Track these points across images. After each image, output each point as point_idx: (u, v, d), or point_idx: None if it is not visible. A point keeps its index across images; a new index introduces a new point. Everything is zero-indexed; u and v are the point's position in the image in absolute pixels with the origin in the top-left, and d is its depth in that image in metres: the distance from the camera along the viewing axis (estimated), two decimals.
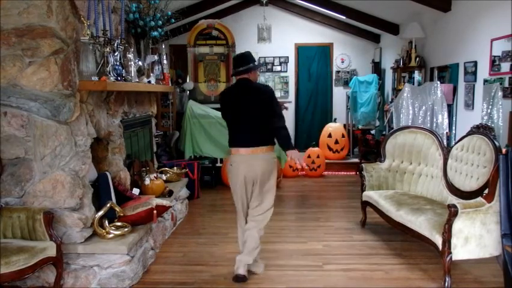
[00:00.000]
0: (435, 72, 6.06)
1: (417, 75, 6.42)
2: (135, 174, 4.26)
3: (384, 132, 7.21)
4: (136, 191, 3.98)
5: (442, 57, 5.89)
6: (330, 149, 7.70)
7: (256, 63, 3.49)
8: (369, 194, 4.40)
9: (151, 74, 4.46)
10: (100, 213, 3.28)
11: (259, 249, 3.41)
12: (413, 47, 6.44)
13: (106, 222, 3.32)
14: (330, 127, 7.86)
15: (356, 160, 7.74)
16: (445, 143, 4.44)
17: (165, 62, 5.02)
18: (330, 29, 9.06)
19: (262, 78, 9.01)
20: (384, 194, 4.28)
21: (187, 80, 7.19)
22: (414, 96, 5.71)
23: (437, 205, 3.76)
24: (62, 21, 2.99)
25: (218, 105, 7.05)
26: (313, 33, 9.14)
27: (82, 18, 3.10)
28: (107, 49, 3.27)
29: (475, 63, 4.89)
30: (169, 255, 3.91)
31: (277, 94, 8.80)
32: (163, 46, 5.18)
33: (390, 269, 3.54)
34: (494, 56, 4.47)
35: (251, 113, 3.31)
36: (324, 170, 7.44)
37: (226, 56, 7.10)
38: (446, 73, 5.75)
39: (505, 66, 4.30)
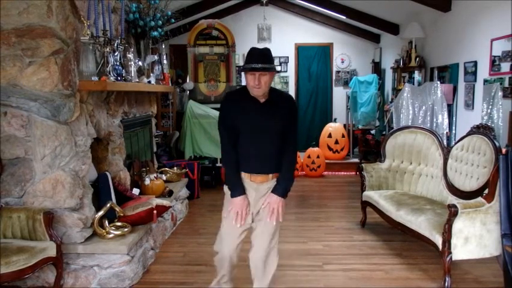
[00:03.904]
0: (435, 72, 6.06)
1: (417, 75, 6.42)
2: (135, 174, 4.26)
3: (384, 132, 7.22)
4: (136, 191, 3.98)
5: (442, 57, 5.89)
6: (330, 149, 7.70)
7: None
8: (369, 194, 4.40)
9: (151, 74, 4.46)
10: (100, 213, 3.28)
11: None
12: (413, 47, 6.44)
13: (106, 222, 3.32)
14: (330, 127, 7.86)
15: (356, 160, 7.74)
16: (445, 143, 4.43)
17: (165, 62, 5.02)
18: (330, 29, 9.06)
19: None
20: (384, 194, 4.28)
21: (187, 80, 7.19)
22: (414, 96, 5.71)
23: (437, 205, 3.76)
24: (62, 21, 2.99)
25: (218, 105, 7.13)
26: (313, 33, 9.14)
27: (82, 18, 3.10)
28: (107, 49, 3.27)
29: (475, 63, 4.89)
30: (169, 255, 3.91)
31: None
32: (163, 46, 5.18)
33: (390, 269, 3.54)
34: (494, 56, 4.46)
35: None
36: (324, 170, 7.44)
37: (226, 56, 7.10)
38: (446, 73, 5.75)
39: (505, 66, 4.30)
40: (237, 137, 2.60)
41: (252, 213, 2.66)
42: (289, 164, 2.65)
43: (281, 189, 2.60)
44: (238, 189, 2.58)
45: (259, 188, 2.62)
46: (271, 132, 2.58)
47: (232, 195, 2.59)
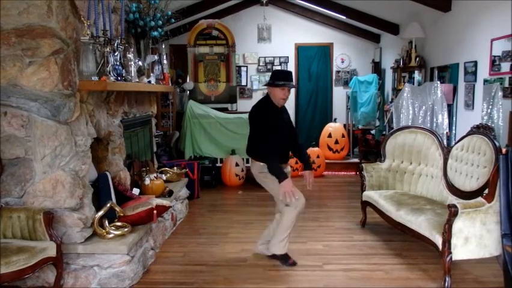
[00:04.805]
0: (435, 72, 6.06)
1: (417, 75, 6.42)
2: (135, 174, 4.26)
3: (384, 132, 7.22)
4: (136, 191, 3.98)
5: (442, 57, 5.89)
6: (330, 149, 7.70)
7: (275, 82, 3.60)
8: (369, 194, 4.40)
9: (151, 74, 4.46)
10: (100, 213, 3.28)
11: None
12: (413, 47, 6.44)
13: (106, 222, 3.32)
14: (330, 127, 7.86)
15: (356, 160, 7.74)
16: (445, 143, 4.43)
17: (165, 62, 5.02)
18: (330, 29, 9.06)
19: (262, 78, 9.01)
20: (384, 194, 4.28)
21: (187, 80, 7.20)
22: (414, 96, 5.71)
23: (437, 205, 3.76)
24: (62, 21, 2.99)
25: (218, 105, 7.16)
26: (313, 33, 9.14)
27: (82, 18, 3.10)
28: (107, 49, 3.27)
29: (475, 63, 4.89)
30: (169, 255, 3.91)
31: None
32: (163, 46, 5.18)
33: (390, 269, 3.54)
34: (494, 56, 4.47)
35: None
36: (324, 170, 7.44)
37: (226, 56, 7.11)
38: (446, 73, 5.75)
39: (505, 66, 4.30)
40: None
41: None
42: (304, 148, 3.93)
43: (309, 166, 3.83)
44: (284, 175, 3.46)
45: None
46: (289, 131, 3.69)
47: (283, 179, 3.41)
